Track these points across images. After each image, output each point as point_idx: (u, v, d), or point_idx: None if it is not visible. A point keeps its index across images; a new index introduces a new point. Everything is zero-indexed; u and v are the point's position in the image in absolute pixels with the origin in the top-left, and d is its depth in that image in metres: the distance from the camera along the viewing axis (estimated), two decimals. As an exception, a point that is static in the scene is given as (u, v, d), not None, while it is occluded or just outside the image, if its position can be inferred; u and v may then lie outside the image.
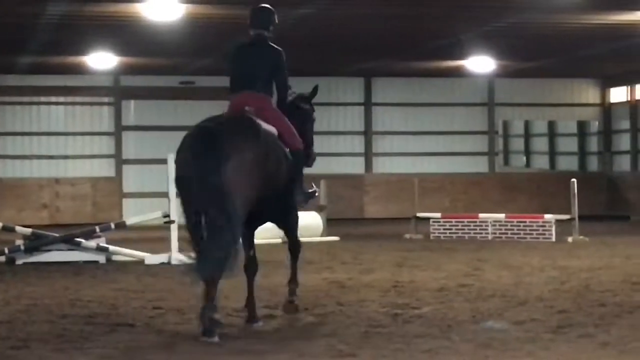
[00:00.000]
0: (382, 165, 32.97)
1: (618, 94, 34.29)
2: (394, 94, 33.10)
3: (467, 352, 8.24)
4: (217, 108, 37.01)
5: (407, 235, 22.66)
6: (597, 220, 27.53)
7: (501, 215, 22.53)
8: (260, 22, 9.96)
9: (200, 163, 8.65)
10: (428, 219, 22.89)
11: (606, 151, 34.74)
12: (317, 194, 10.72)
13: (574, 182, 21.54)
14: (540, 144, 39.08)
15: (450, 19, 21.66)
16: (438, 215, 23.10)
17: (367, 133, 32.87)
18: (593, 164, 35.58)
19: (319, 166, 35.25)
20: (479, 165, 33.43)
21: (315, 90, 10.50)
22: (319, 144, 34.64)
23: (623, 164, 34.17)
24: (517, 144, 40.04)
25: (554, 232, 21.22)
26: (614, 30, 23.08)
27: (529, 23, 22.14)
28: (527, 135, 39.87)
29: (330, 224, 22.69)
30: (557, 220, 21.53)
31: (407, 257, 17.21)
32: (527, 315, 10.23)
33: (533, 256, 17.20)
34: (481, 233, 22.09)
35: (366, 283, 13.29)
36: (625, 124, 33.89)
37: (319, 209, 22.31)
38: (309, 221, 21.87)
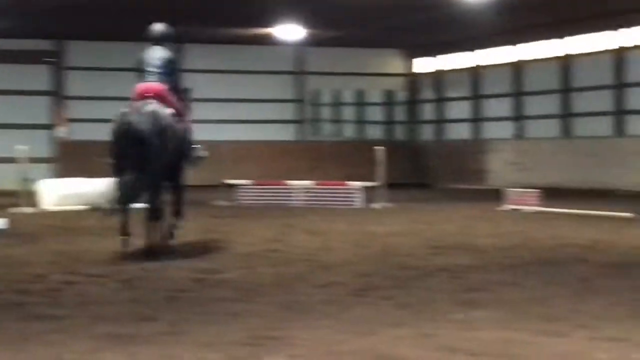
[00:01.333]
0: (191, 132, 32.76)
1: (423, 65, 35.08)
2: (203, 61, 32.93)
3: (270, 315, 8.30)
4: (13, 71, 35.17)
5: (216, 202, 22.64)
6: (402, 188, 28.11)
7: (309, 183, 22.76)
8: (159, 36, 13.09)
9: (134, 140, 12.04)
10: (237, 185, 22.92)
11: (411, 120, 35.53)
12: (205, 156, 13.88)
13: (380, 150, 21.93)
14: (349, 113, 39.61)
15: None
16: (247, 182, 23.16)
17: (177, 100, 32.63)
18: (399, 133, 36.34)
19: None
20: (289, 134, 33.70)
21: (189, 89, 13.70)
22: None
23: (427, 133, 35.02)
24: (326, 112, 40.48)
25: (360, 199, 21.59)
26: (419, 1, 23.56)
27: (337, -8, 22.40)
28: (336, 104, 40.34)
29: (138, 191, 22.42)
30: (364, 188, 21.91)
31: (215, 224, 17.19)
32: (331, 279, 10.37)
33: (339, 222, 17.44)
34: (289, 200, 22.27)
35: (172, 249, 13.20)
36: (430, 94, 34.73)
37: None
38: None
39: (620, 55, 27.56)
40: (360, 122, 38.96)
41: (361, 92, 37.64)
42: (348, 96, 39.09)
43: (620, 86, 27.58)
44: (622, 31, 27.46)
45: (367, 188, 21.97)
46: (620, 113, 27.60)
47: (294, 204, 22.08)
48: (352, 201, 21.61)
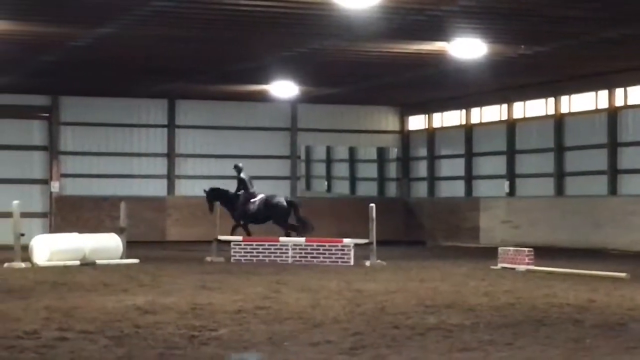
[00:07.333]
0: (184, 188, 32.81)
1: (416, 122, 35.20)
2: (198, 117, 33.07)
3: (261, 374, 8.26)
4: (9, 126, 35.26)
5: (208, 258, 22.61)
6: (395, 245, 28.10)
7: (301, 239, 22.75)
8: None
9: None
10: (229, 242, 22.90)
11: (404, 177, 35.57)
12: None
13: (372, 207, 21.93)
14: (341, 169, 39.70)
15: (252, 42, 21.77)
16: (239, 238, 23.14)
17: (170, 155, 32.68)
18: (391, 190, 36.37)
19: (120, 188, 34.59)
20: (281, 190, 33.66)
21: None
22: (121, 166, 34.16)
23: (420, 190, 35.04)
24: (319, 169, 40.57)
25: (352, 256, 21.56)
26: (412, 59, 23.68)
27: (331, 50, 22.51)
28: (329, 161, 40.45)
29: (131, 246, 22.40)
30: (356, 245, 21.90)
31: (206, 280, 17.14)
32: (322, 337, 10.32)
33: (331, 279, 17.39)
34: (281, 256, 22.25)
35: (164, 305, 13.15)
36: (423, 152, 34.81)
37: (119, 231, 22.01)
38: (109, 243, 21.53)
39: (613, 114, 27.68)
40: (353, 178, 39.06)
41: (354, 149, 37.74)
42: (341, 153, 39.20)
43: (613, 145, 27.66)
44: (616, 91, 27.60)
45: (359, 245, 21.96)
46: (613, 172, 27.66)
47: (286, 260, 22.05)
48: (345, 258, 21.58)
